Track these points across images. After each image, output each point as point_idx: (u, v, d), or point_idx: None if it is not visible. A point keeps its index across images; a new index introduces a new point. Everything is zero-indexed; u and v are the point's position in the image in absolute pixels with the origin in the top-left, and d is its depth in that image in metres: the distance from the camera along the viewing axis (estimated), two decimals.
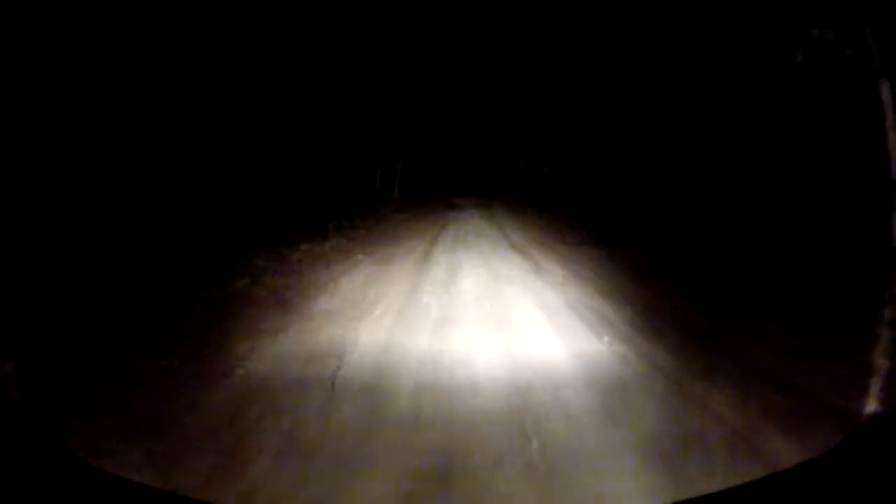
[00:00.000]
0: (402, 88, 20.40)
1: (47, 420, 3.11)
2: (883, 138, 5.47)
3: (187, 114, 9.20)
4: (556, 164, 21.45)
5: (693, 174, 9.81)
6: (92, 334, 4.58)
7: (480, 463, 2.87)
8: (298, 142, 13.81)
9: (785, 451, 2.93)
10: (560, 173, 20.89)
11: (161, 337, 4.63)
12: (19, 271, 5.31)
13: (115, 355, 4.20)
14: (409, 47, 19.20)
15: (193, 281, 6.36)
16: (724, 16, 8.97)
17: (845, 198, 6.93)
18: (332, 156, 16.12)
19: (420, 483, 2.68)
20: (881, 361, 3.68)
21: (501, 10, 20.04)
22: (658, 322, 5.29)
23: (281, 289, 6.47)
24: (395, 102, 20.59)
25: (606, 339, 4.84)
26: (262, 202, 10.74)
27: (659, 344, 4.67)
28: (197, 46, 9.27)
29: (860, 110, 6.60)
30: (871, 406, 3.42)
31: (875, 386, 3.54)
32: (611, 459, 2.93)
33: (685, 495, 1.93)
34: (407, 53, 19.28)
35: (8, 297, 4.64)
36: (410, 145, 24.18)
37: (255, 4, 11.09)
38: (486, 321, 5.43)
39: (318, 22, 13.46)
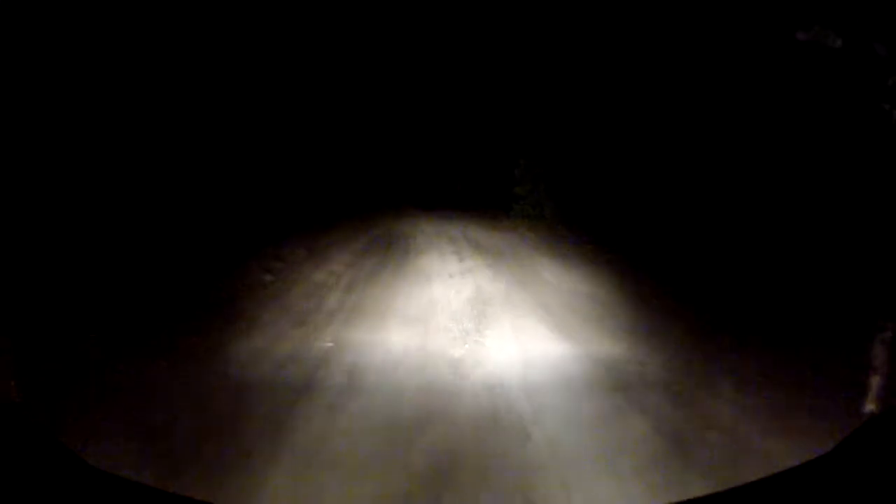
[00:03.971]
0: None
1: (47, 420, 3.11)
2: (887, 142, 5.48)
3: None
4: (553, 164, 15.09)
5: (690, 175, 9.81)
6: (88, 334, 4.58)
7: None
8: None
9: (785, 453, 2.94)
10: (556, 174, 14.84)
11: (158, 336, 4.63)
12: (18, 271, 5.32)
13: (112, 355, 4.20)
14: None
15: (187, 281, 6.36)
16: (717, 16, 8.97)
17: (848, 200, 6.93)
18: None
19: None
20: (881, 362, 3.68)
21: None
22: (658, 324, 5.29)
23: None
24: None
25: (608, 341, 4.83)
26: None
27: (659, 346, 4.67)
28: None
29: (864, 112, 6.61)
30: (871, 406, 3.43)
31: (875, 386, 3.54)
32: (609, 460, 2.93)
33: (685, 495, 1.93)
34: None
35: (7, 297, 4.64)
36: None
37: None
38: None
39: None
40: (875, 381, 3.55)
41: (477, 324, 5.10)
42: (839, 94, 7.13)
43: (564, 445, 3.07)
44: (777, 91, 8.20)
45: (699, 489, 2.60)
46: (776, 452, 2.95)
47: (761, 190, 8.31)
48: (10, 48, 6.43)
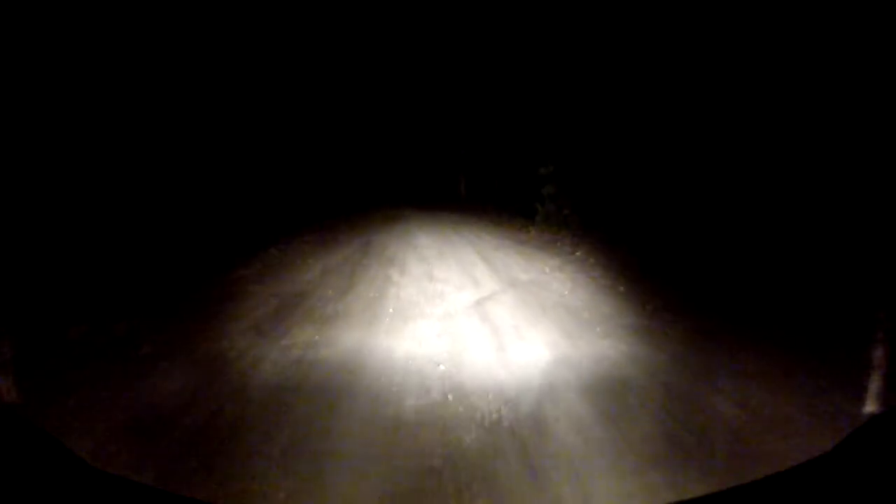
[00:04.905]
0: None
1: (45, 420, 3.11)
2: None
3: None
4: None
5: (692, 174, 9.79)
6: (87, 333, 4.58)
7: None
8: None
9: (785, 453, 2.94)
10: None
11: (155, 333, 4.62)
12: (18, 271, 5.32)
13: (111, 354, 4.20)
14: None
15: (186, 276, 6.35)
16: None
17: (848, 199, 6.93)
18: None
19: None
20: (881, 361, 3.68)
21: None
22: (658, 323, 5.29)
23: None
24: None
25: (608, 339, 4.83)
26: None
27: (659, 345, 4.66)
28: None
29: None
30: (871, 406, 3.43)
31: (875, 386, 3.54)
32: (609, 459, 2.92)
33: (685, 495, 1.93)
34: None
35: (6, 296, 4.64)
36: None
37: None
38: None
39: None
40: (875, 381, 3.55)
41: None
42: (839, 94, 7.12)
43: (566, 445, 3.06)
44: (777, 93, 8.19)
45: (699, 489, 2.60)
46: (777, 452, 2.95)
47: (762, 190, 8.31)
48: (10, 48, 6.43)
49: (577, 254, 7.73)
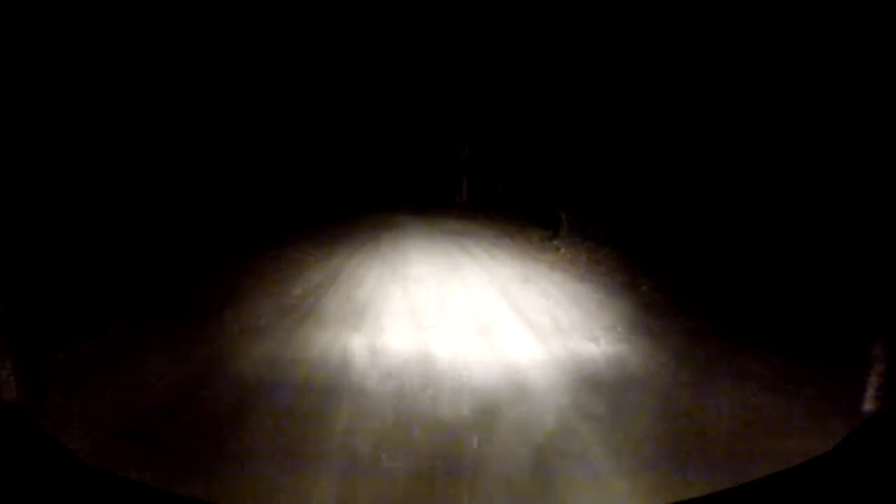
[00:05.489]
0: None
1: (46, 420, 3.11)
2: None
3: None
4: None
5: (693, 177, 9.76)
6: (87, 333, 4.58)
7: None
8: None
9: (785, 453, 2.94)
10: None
11: (155, 330, 4.63)
12: (18, 271, 5.31)
13: (109, 350, 4.20)
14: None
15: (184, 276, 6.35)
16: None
17: (848, 200, 6.93)
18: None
19: None
20: (881, 362, 3.68)
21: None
22: (659, 324, 5.29)
23: None
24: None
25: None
26: None
27: (659, 345, 4.66)
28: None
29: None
30: (871, 406, 3.43)
31: (874, 386, 3.54)
32: (609, 459, 2.93)
33: (685, 495, 1.92)
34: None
35: (6, 296, 4.64)
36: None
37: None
38: None
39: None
40: (874, 381, 3.55)
41: None
42: (840, 101, 7.13)
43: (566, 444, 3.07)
44: (779, 95, 8.18)
45: (699, 489, 2.60)
46: (777, 452, 2.95)
47: (762, 191, 8.31)
48: (10, 48, 6.43)
49: (644, 288, 5.62)
